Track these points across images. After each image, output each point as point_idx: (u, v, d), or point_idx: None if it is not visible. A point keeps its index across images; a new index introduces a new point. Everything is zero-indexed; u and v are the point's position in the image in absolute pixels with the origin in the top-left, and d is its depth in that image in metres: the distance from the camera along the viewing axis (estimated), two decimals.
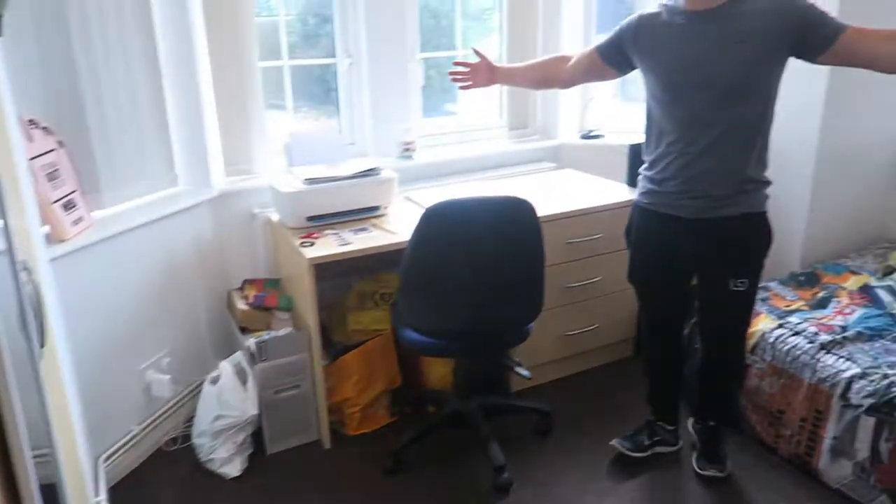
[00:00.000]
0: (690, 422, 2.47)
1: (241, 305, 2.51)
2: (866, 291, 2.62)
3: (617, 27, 2.09)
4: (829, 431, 2.15)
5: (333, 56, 3.04)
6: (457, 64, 2.39)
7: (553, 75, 2.32)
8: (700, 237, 2.02)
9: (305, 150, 2.72)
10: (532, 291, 2.13)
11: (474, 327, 2.13)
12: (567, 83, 2.37)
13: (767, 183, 2.02)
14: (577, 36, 3.40)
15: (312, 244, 2.34)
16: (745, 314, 2.14)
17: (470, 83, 2.38)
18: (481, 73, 2.34)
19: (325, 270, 2.34)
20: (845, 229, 3.06)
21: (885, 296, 2.58)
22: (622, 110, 3.66)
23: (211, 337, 2.75)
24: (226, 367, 2.32)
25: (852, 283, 2.69)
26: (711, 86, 1.86)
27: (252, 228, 2.79)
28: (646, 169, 2.12)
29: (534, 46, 3.23)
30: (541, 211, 2.12)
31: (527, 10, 3.19)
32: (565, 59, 2.29)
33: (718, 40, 1.83)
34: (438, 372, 2.65)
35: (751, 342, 2.40)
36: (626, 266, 2.28)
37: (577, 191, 2.96)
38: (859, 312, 2.46)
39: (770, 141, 1.99)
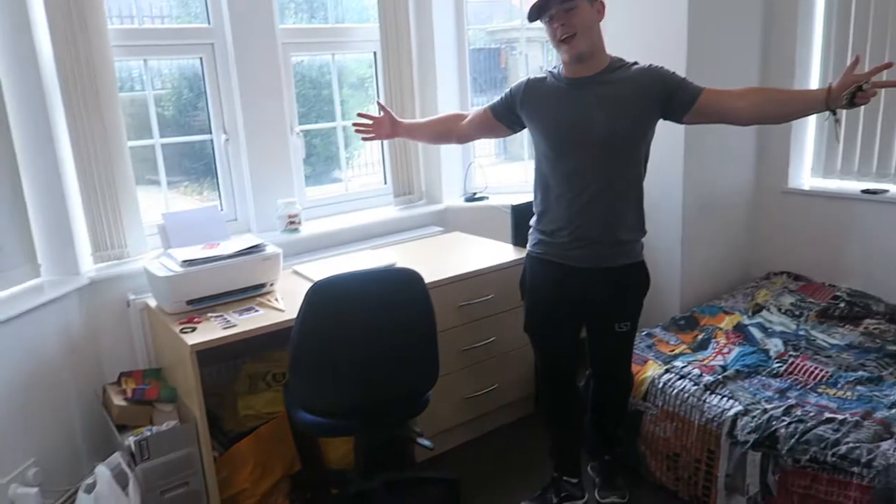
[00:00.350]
0: (589, 466, 2.53)
1: (118, 401, 2.32)
2: (740, 330, 2.78)
3: (508, 89, 2.27)
4: (722, 469, 2.23)
5: (209, 132, 2.96)
6: (360, 115, 2.55)
7: (449, 130, 2.50)
8: (588, 285, 2.15)
9: (182, 229, 2.59)
10: (426, 361, 2.11)
11: (369, 403, 2.06)
12: (462, 138, 2.57)
13: (644, 233, 2.18)
14: (453, 101, 3.51)
15: (194, 329, 2.21)
16: (628, 348, 2.34)
17: (373, 135, 2.54)
18: (384, 126, 2.52)
19: (210, 355, 2.21)
20: (715, 272, 3.28)
21: (756, 333, 2.75)
22: (503, 171, 3.79)
23: (85, 439, 2.51)
24: (102, 472, 2.11)
25: (727, 322, 2.85)
26: (591, 144, 2.04)
27: (127, 316, 2.61)
28: (536, 222, 2.25)
29: (412, 113, 3.29)
30: (431, 276, 2.13)
31: (403, 78, 3.26)
32: (461, 116, 2.50)
33: (595, 104, 2.03)
34: (339, 451, 2.54)
35: (642, 388, 2.48)
36: (520, 322, 2.36)
37: (465, 253, 3.00)
38: (736, 351, 2.61)
39: (644, 196, 2.16)
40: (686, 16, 2.83)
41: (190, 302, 2.36)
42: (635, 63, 2.08)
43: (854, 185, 3.12)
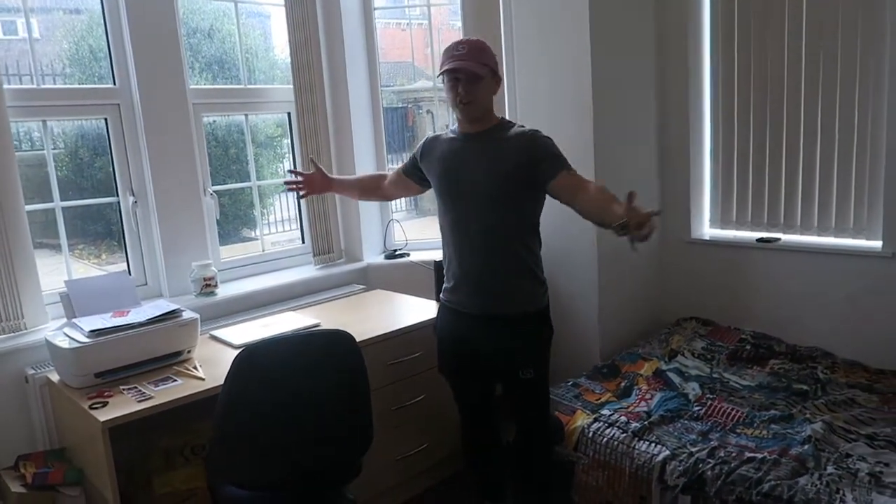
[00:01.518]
0: None
1: (15, 488, 2.10)
2: (660, 375, 2.88)
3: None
4: None
5: (114, 194, 2.83)
6: (292, 172, 2.74)
7: (376, 186, 2.70)
8: (489, 331, 2.24)
9: (87, 297, 2.42)
10: (360, 424, 2.04)
11: (301, 472, 1.97)
12: (385, 196, 2.80)
13: (542, 283, 2.28)
14: (370, 159, 3.52)
15: (105, 404, 2.05)
16: (539, 400, 2.36)
17: (306, 191, 2.68)
18: (316, 182, 2.67)
19: (121, 431, 2.05)
20: (629, 319, 3.40)
21: (675, 377, 2.85)
22: (422, 227, 3.82)
23: None
24: None
25: (646, 369, 2.95)
26: (473, 193, 2.19)
27: (25, 393, 2.39)
28: (444, 271, 2.38)
29: (329, 164, 3.28)
30: (359, 335, 2.09)
31: (319, 138, 3.25)
32: (384, 176, 2.69)
33: (480, 157, 2.19)
34: None
35: (573, 438, 2.50)
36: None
37: (389, 311, 2.97)
38: (658, 396, 2.69)
39: (539, 248, 2.29)
40: (589, 55, 3.00)
41: (99, 374, 2.19)
42: (521, 126, 2.25)
43: (750, 235, 3.34)
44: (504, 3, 3.25)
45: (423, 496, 2.83)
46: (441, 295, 2.40)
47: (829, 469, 2.15)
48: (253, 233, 3.45)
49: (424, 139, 2.43)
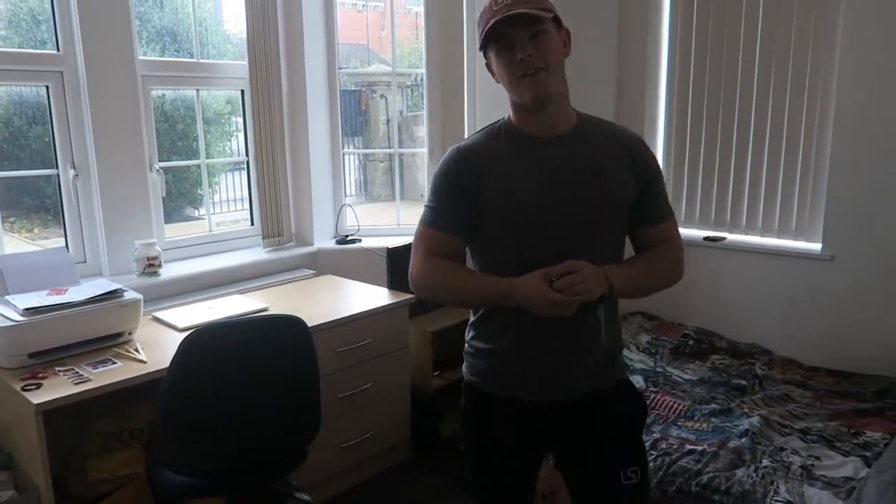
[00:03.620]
0: None
1: None
2: None
3: (438, 177, 1.53)
4: None
5: (53, 166, 2.70)
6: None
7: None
8: (579, 420, 1.56)
9: (23, 274, 2.31)
10: (308, 411, 2.01)
11: (247, 458, 1.93)
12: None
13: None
14: (324, 140, 3.45)
15: (39, 386, 1.96)
16: None
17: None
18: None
19: (55, 414, 1.97)
20: None
21: None
22: (375, 212, 3.78)
23: None
24: None
25: None
26: (564, 223, 1.49)
27: None
28: (480, 333, 1.61)
29: (282, 152, 3.21)
30: (308, 321, 2.04)
31: (273, 117, 3.18)
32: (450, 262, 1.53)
33: (572, 169, 1.49)
34: None
35: None
36: (397, 367, 2.44)
37: (339, 297, 2.93)
38: None
39: None
40: None
41: (33, 355, 2.09)
42: (608, 122, 1.60)
43: (697, 233, 3.42)
44: None
45: (367, 484, 2.82)
46: (478, 371, 1.57)
47: (765, 462, 2.23)
48: (197, 212, 3.35)
49: (449, 157, 1.52)
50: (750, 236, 3.30)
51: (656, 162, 1.58)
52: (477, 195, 1.47)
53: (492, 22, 1.40)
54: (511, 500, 1.63)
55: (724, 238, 3.34)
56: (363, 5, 4.67)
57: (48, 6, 2.63)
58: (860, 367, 2.89)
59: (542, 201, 1.44)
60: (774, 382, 2.83)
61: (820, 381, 2.84)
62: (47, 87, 2.66)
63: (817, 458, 2.24)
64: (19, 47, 2.65)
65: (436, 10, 3.34)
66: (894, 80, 2.77)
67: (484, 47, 1.47)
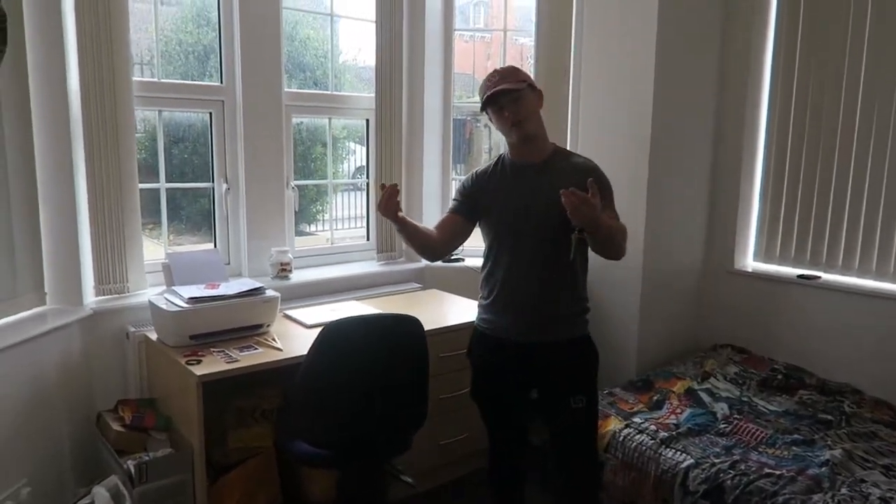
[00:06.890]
0: None
1: (116, 427, 2.42)
2: (691, 394, 3.07)
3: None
4: None
5: (210, 180, 3.17)
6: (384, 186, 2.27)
7: (428, 241, 2.39)
8: (539, 359, 2.26)
9: (185, 269, 2.75)
10: (418, 401, 2.31)
11: (366, 437, 2.24)
12: (439, 250, 2.45)
13: (588, 310, 2.33)
14: (436, 166, 3.80)
15: (199, 362, 2.35)
16: (588, 434, 2.34)
17: (381, 209, 2.28)
18: (391, 208, 2.25)
19: (204, 388, 2.33)
20: (667, 341, 3.59)
21: (705, 397, 3.03)
22: (476, 235, 4.06)
23: (73, 463, 2.58)
24: (100, 493, 2.21)
25: (679, 387, 3.14)
26: (538, 225, 2.21)
27: (125, 348, 2.72)
28: (486, 297, 2.40)
29: (399, 175, 3.58)
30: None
31: (393, 143, 3.54)
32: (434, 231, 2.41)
33: (543, 188, 2.16)
34: (318, 486, 2.67)
35: (604, 441, 2.71)
36: None
37: (443, 309, 3.23)
38: (687, 412, 2.88)
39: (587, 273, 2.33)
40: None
41: (193, 337, 2.50)
42: (577, 155, 2.33)
43: (791, 271, 3.50)
44: (576, 37, 3.51)
45: (461, 480, 3.07)
46: (480, 320, 2.36)
47: (843, 490, 2.31)
48: (308, 227, 3.75)
49: (470, 176, 2.38)
50: (846, 277, 3.34)
51: (608, 182, 2.24)
52: (478, 199, 2.31)
53: (487, 93, 2.17)
54: (500, 411, 2.39)
55: (819, 277, 3.39)
56: (470, 35, 4.93)
57: (216, 44, 3.11)
58: None
59: (518, 206, 2.21)
60: (862, 420, 2.87)
61: None
62: (210, 114, 3.13)
63: None
64: (192, 79, 3.15)
65: (545, 55, 3.62)
66: None
67: (484, 108, 2.22)
